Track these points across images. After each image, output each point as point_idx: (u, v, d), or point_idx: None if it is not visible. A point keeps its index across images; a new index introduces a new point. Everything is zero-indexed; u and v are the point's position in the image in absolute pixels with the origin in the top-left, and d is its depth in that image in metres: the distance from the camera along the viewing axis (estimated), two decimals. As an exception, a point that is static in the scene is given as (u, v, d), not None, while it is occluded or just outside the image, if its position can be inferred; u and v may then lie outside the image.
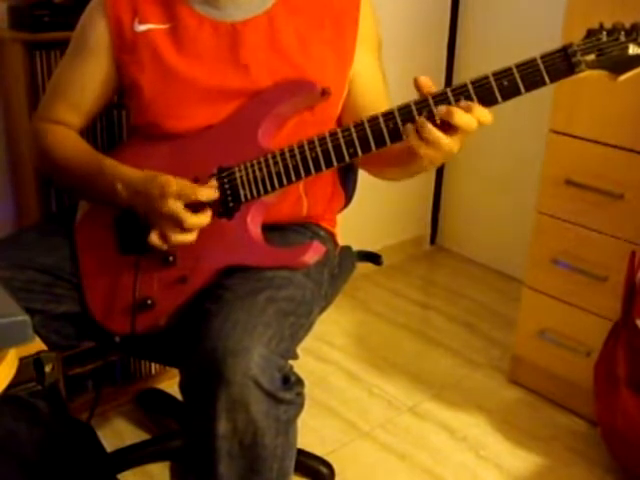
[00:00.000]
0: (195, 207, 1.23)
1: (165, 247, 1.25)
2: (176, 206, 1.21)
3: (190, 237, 1.24)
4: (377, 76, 1.40)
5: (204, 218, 1.24)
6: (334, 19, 1.33)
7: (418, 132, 1.13)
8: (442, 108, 1.12)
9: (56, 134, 1.37)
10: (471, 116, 1.11)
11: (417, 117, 1.13)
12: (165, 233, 1.23)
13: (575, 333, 1.94)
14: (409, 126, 1.14)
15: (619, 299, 1.73)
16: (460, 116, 1.10)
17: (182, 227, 1.22)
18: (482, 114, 1.11)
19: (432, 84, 1.14)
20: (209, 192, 1.24)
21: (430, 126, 1.12)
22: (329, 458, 1.78)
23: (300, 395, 1.19)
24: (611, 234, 1.82)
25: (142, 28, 1.31)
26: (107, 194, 1.28)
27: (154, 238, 1.24)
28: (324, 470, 1.75)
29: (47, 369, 0.85)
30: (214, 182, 1.26)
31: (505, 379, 2.16)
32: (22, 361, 0.82)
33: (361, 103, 1.37)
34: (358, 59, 1.35)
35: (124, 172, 1.28)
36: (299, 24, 1.32)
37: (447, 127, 1.12)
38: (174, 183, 1.22)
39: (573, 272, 1.90)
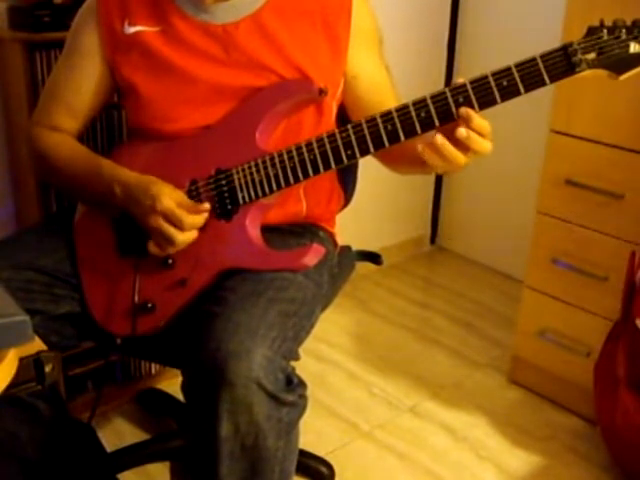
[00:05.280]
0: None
1: (164, 254, 1.25)
2: (159, 223, 1.21)
3: (190, 236, 1.24)
4: (380, 73, 1.38)
5: (189, 235, 1.23)
6: (325, 18, 1.31)
7: (437, 150, 1.14)
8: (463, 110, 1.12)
9: (52, 137, 1.37)
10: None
11: (437, 140, 1.13)
12: (159, 243, 1.24)
13: (575, 333, 1.94)
14: (424, 147, 1.14)
15: (619, 299, 1.73)
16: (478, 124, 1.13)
17: (170, 243, 1.22)
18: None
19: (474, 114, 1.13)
20: (197, 220, 1.23)
21: (450, 147, 1.13)
22: (329, 458, 1.78)
23: (303, 397, 1.19)
24: (611, 234, 1.82)
25: (132, 30, 1.31)
26: (104, 195, 1.28)
27: (152, 247, 1.25)
28: (324, 470, 1.75)
29: (47, 369, 0.85)
30: (206, 205, 1.24)
31: (505, 379, 2.15)
32: (22, 361, 0.82)
33: (367, 103, 1.35)
34: (357, 58, 1.33)
35: (122, 174, 1.28)
36: (290, 24, 1.30)
37: (463, 147, 1.14)
38: (164, 200, 1.21)
39: (573, 272, 1.90)
